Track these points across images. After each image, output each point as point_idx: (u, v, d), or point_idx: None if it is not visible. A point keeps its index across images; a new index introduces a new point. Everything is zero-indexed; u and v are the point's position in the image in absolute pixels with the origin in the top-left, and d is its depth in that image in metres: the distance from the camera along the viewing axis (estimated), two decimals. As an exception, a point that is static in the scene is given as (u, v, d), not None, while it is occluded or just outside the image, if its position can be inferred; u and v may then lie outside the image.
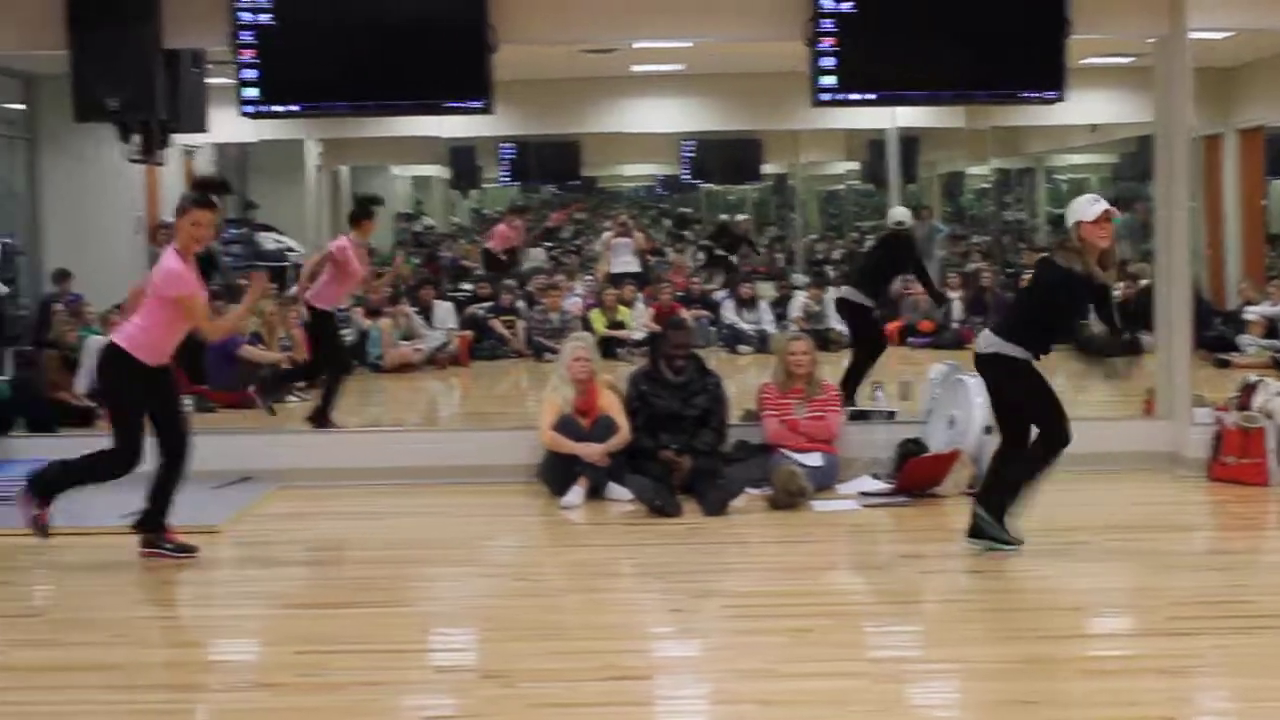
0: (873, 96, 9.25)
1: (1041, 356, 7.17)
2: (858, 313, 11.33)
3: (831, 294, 14.75)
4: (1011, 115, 16.63)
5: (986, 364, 7.28)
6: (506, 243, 19.15)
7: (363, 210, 11.17)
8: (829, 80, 8.96)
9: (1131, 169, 19.23)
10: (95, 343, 9.96)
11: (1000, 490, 7.21)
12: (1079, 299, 7.20)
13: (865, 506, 8.44)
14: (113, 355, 7.30)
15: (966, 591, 6.87)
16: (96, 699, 5.43)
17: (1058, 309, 7.22)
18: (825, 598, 6.74)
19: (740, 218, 20.97)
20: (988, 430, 8.34)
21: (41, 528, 7.33)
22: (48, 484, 7.35)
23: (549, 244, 20.84)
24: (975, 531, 7.19)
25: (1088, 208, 7.10)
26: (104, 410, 8.24)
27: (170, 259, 7.14)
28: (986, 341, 7.30)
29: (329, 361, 11.01)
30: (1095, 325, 7.44)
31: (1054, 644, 5.95)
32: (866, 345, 11.28)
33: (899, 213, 12.04)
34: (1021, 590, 6.82)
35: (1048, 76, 9.03)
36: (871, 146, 18.41)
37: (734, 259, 19.46)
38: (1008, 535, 7.14)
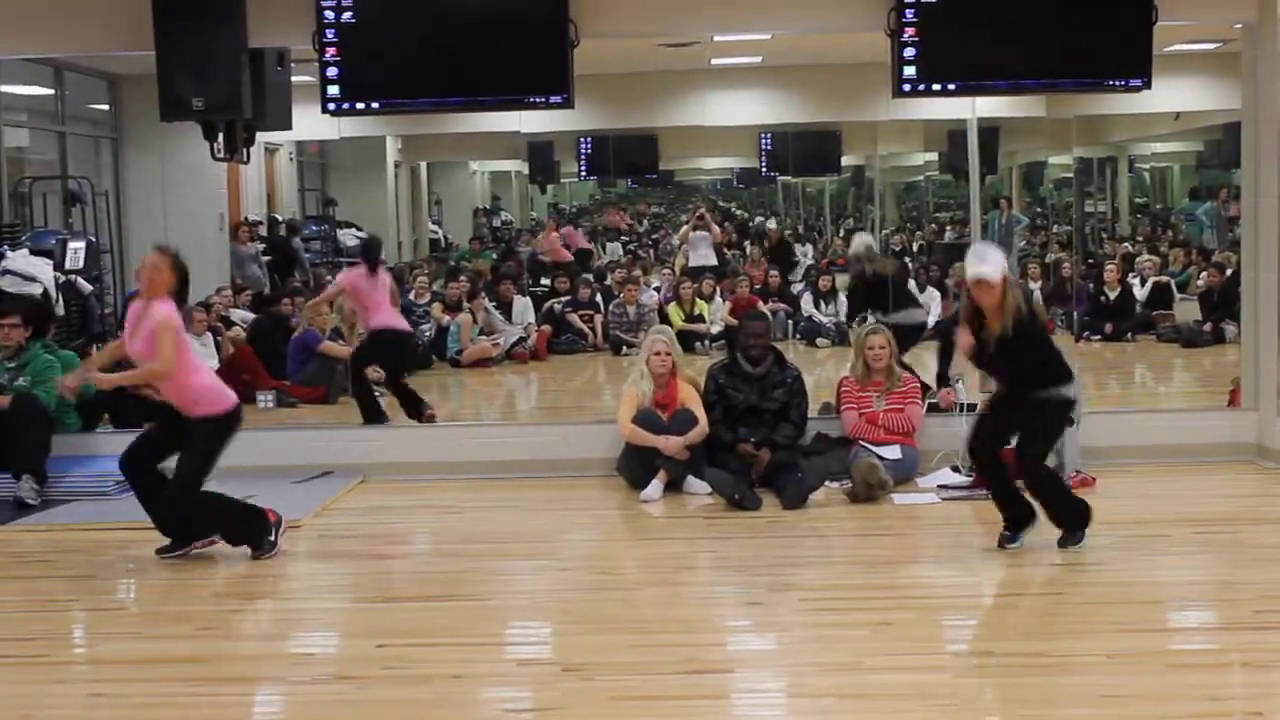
0: (955, 86, 9.21)
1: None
2: None
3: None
4: (1094, 104, 16.42)
5: None
6: (555, 252, 19.18)
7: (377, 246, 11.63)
8: (911, 71, 8.90)
9: (1216, 157, 18.97)
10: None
11: None
12: None
13: (945, 499, 8.39)
14: None
15: (1048, 585, 6.82)
16: (182, 691, 5.51)
17: None
18: (905, 591, 6.70)
19: (770, 224, 20.80)
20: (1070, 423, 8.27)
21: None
22: (187, 525, 7.40)
23: (625, 239, 20.84)
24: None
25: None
26: None
27: None
28: None
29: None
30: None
31: (1137, 638, 5.90)
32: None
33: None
34: (1104, 583, 6.74)
35: (1134, 64, 8.91)
36: (951, 137, 18.27)
37: (798, 257, 19.37)
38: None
